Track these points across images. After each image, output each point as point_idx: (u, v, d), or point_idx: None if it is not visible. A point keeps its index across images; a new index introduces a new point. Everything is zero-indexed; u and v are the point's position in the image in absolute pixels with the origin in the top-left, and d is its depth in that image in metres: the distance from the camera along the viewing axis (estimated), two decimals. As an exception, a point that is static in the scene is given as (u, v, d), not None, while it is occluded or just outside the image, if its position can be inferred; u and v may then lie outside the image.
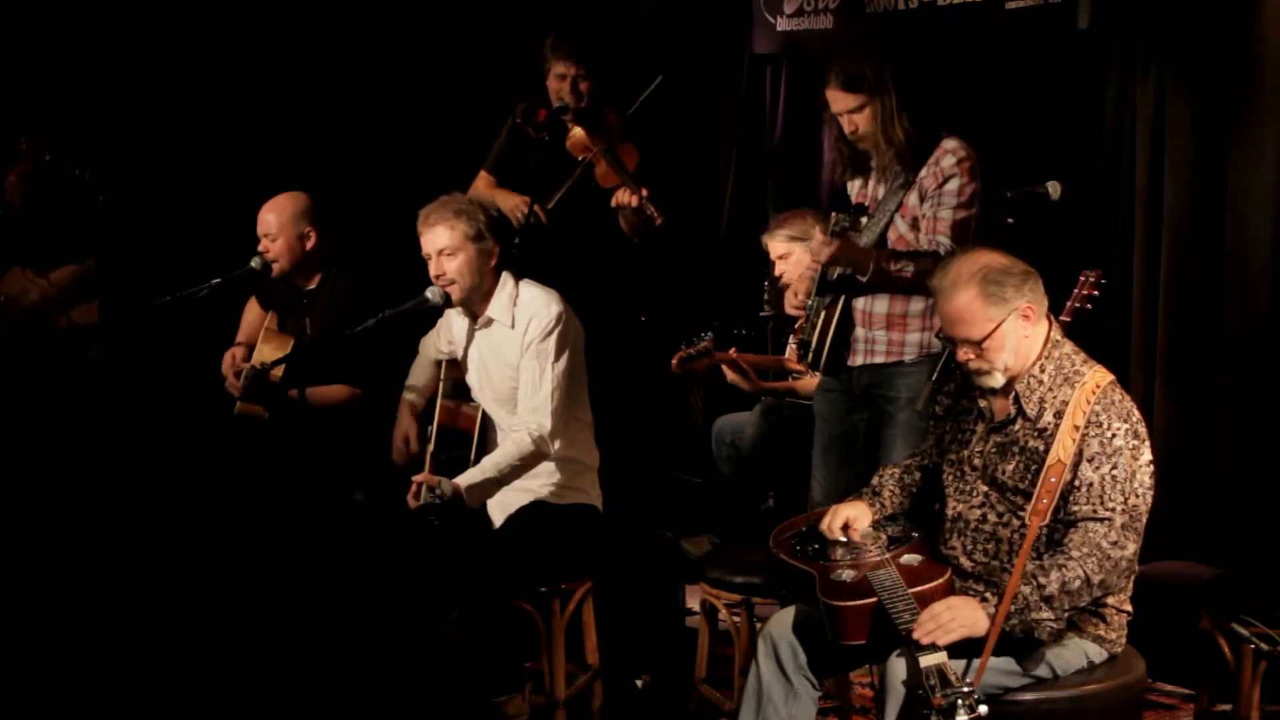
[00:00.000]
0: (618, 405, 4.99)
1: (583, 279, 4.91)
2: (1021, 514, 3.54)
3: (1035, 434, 3.56)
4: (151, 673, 4.50)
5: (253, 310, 5.30)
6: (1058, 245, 5.08)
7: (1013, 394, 3.61)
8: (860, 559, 3.70)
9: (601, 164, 5.25)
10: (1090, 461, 3.47)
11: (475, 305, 4.56)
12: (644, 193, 5.12)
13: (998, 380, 3.59)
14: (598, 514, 4.63)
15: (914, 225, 4.48)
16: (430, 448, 4.69)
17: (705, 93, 6.73)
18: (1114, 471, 3.46)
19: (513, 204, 5.25)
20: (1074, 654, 3.55)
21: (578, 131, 5.31)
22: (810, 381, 5.20)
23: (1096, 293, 4.42)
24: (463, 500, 4.36)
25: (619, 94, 5.40)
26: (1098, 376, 3.56)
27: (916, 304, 4.51)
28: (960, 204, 4.42)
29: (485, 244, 4.48)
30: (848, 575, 3.63)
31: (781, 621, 3.71)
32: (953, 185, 4.42)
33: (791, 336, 5.53)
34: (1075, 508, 3.47)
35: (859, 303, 4.58)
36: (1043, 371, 3.59)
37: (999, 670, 3.45)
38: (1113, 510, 3.44)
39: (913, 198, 4.48)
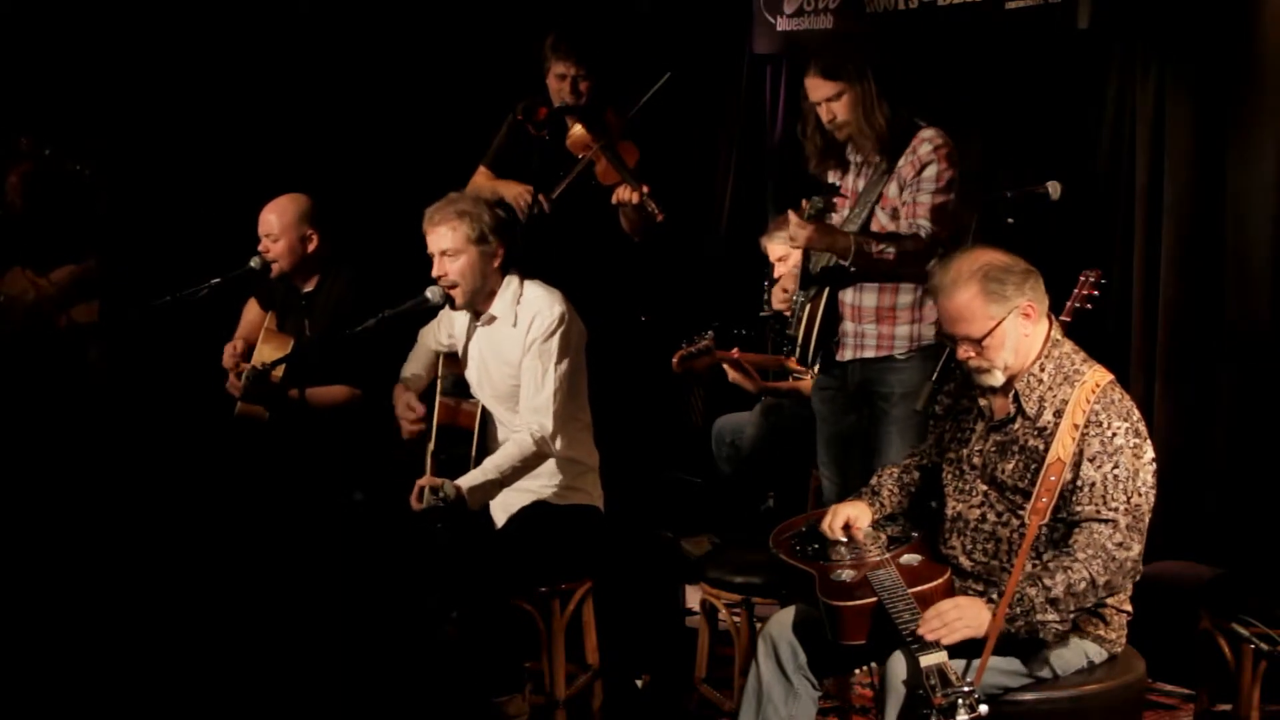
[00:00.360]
0: (618, 405, 4.99)
1: (583, 278, 4.90)
2: (1021, 513, 3.54)
3: (1035, 433, 3.56)
4: (152, 672, 4.50)
5: (252, 310, 5.30)
6: (1058, 245, 5.07)
7: (1012, 393, 3.61)
8: (860, 559, 3.70)
9: (602, 161, 5.25)
10: (1091, 461, 3.47)
11: (478, 304, 4.56)
12: (645, 189, 5.12)
13: (997, 379, 3.59)
14: (599, 514, 4.63)
15: (894, 215, 4.50)
16: (430, 446, 4.69)
17: (705, 93, 6.73)
18: (1116, 471, 3.45)
19: (515, 192, 5.24)
20: (1074, 654, 3.55)
21: (578, 129, 5.31)
22: (809, 384, 5.18)
23: (1096, 293, 4.41)
24: (465, 502, 4.36)
25: (619, 93, 5.40)
26: (1097, 376, 3.56)
27: (905, 296, 4.52)
28: (939, 189, 4.45)
29: (488, 246, 4.48)
30: (848, 575, 3.63)
31: (781, 621, 3.71)
32: (931, 171, 4.45)
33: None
34: (1078, 508, 3.47)
35: (847, 296, 4.58)
36: (1043, 370, 3.59)
37: (999, 670, 3.45)
38: (1116, 510, 3.44)
39: (892, 188, 4.51)
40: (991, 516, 3.61)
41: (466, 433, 4.68)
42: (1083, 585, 3.41)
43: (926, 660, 3.29)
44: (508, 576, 4.38)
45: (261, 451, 4.92)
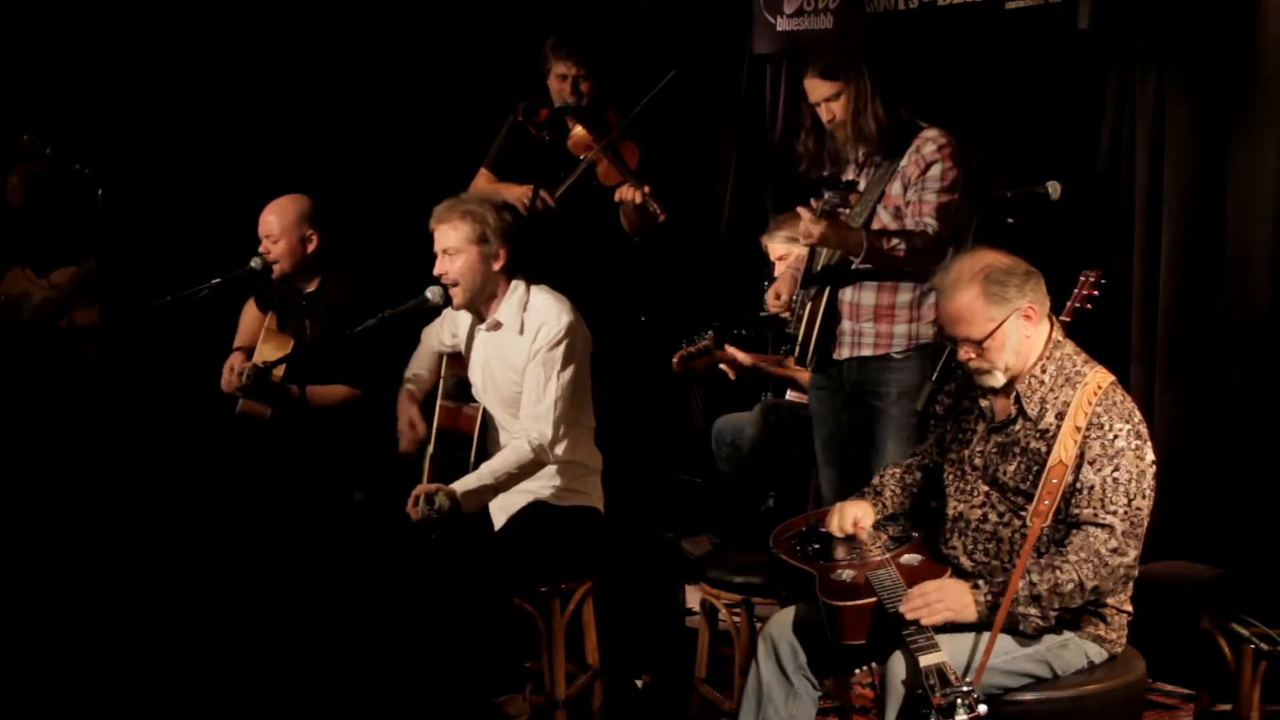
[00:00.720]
0: (618, 405, 4.99)
1: (583, 279, 4.90)
2: (1023, 514, 3.54)
3: (1036, 434, 3.56)
4: (152, 672, 4.50)
5: (250, 313, 5.29)
6: (1058, 245, 5.07)
7: (1014, 394, 3.61)
8: (860, 559, 3.71)
9: (603, 161, 5.25)
10: (1092, 464, 3.47)
11: (480, 306, 4.56)
12: (646, 189, 5.12)
13: (998, 380, 3.60)
14: (599, 516, 4.63)
15: (896, 214, 4.50)
16: (430, 449, 4.69)
17: (705, 93, 6.73)
18: (1115, 474, 3.46)
19: (517, 194, 5.24)
20: (1074, 654, 3.55)
21: (579, 130, 5.31)
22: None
23: (1096, 293, 4.41)
24: (460, 508, 4.36)
25: (620, 93, 5.40)
26: (1099, 377, 3.56)
27: (904, 295, 4.52)
28: (943, 188, 4.45)
29: (488, 247, 4.47)
30: (848, 575, 3.63)
31: (781, 621, 3.71)
32: (935, 170, 4.45)
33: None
34: (1076, 511, 3.47)
35: (845, 294, 4.57)
36: (1044, 372, 3.59)
37: (999, 670, 3.46)
38: (1114, 515, 3.44)
39: (895, 186, 4.51)
40: (993, 517, 3.61)
41: (466, 437, 4.68)
42: (1070, 587, 3.41)
43: (926, 660, 3.30)
44: (508, 577, 4.38)
45: (261, 452, 4.92)
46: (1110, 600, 3.55)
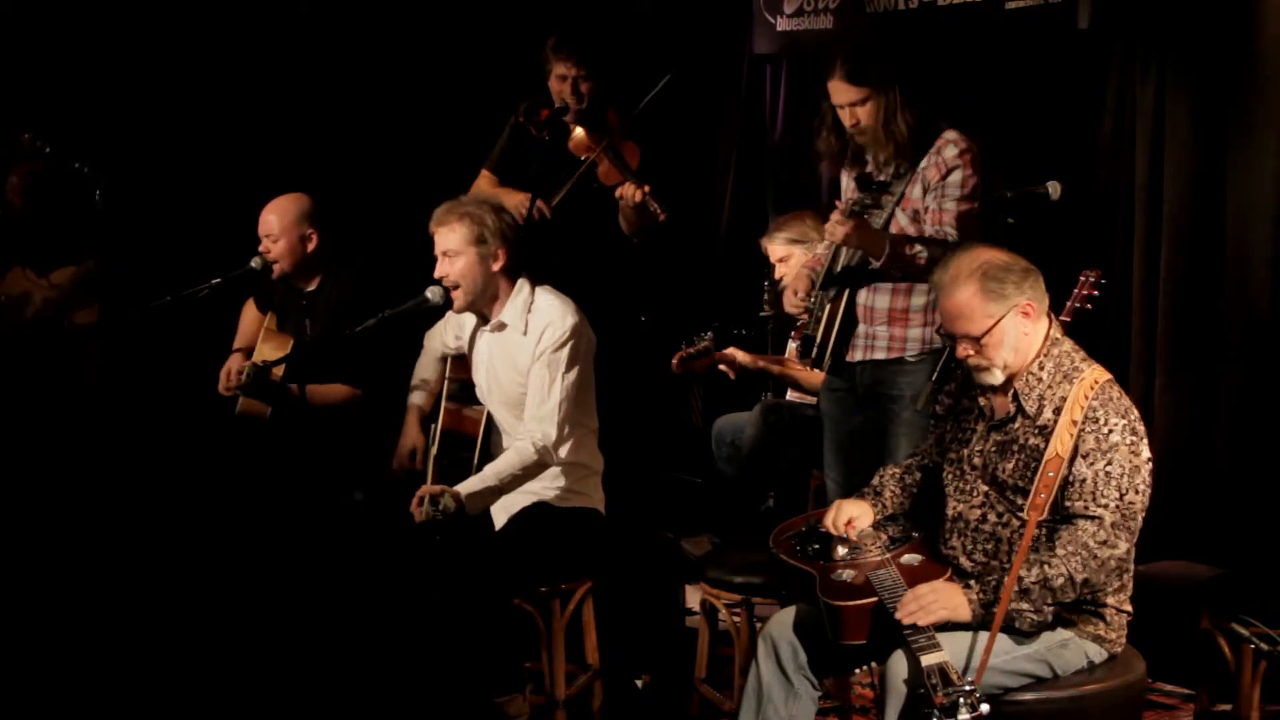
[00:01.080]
0: (618, 405, 4.98)
1: (583, 279, 4.90)
2: (1021, 514, 3.54)
3: (1035, 431, 3.56)
4: (152, 672, 4.50)
5: (249, 313, 5.29)
6: (1058, 245, 5.07)
7: (1012, 391, 3.61)
8: (860, 559, 3.71)
9: (604, 162, 5.25)
10: (1085, 458, 3.47)
11: (483, 308, 4.56)
12: (647, 189, 5.12)
13: (997, 377, 3.60)
14: (600, 517, 4.63)
15: (915, 218, 4.46)
16: (434, 450, 4.70)
17: (705, 93, 6.73)
18: (1108, 468, 3.46)
19: (515, 202, 5.24)
20: (1074, 654, 3.55)
21: (579, 132, 5.31)
22: (813, 375, 5.14)
23: (1096, 292, 4.41)
24: (464, 509, 4.36)
25: (620, 94, 5.40)
26: (1096, 373, 3.57)
27: (919, 299, 4.49)
28: (964, 196, 4.41)
29: (487, 248, 4.47)
30: (848, 575, 3.63)
31: (781, 621, 3.71)
32: (956, 177, 4.41)
33: (792, 336, 5.52)
34: (1068, 503, 3.48)
35: (861, 297, 4.54)
36: (1042, 369, 3.59)
37: (999, 670, 3.46)
38: (1104, 508, 3.44)
39: (915, 190, 4.47)
40: (992, 517, 3.61)
41: (470, 439, 4.68)
42: (1060, 581, 3.42)
43: (927, 660, 3.30)
44: (508, 577, 4.38)
45: (261, 452, 4.92)
46: (1110, 600, 3.56)
